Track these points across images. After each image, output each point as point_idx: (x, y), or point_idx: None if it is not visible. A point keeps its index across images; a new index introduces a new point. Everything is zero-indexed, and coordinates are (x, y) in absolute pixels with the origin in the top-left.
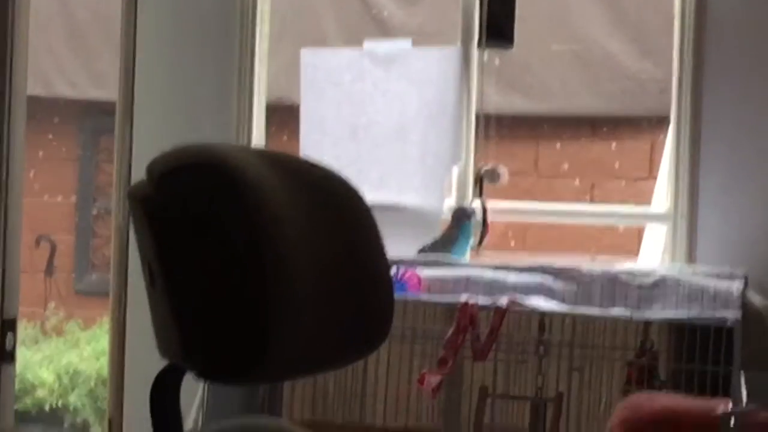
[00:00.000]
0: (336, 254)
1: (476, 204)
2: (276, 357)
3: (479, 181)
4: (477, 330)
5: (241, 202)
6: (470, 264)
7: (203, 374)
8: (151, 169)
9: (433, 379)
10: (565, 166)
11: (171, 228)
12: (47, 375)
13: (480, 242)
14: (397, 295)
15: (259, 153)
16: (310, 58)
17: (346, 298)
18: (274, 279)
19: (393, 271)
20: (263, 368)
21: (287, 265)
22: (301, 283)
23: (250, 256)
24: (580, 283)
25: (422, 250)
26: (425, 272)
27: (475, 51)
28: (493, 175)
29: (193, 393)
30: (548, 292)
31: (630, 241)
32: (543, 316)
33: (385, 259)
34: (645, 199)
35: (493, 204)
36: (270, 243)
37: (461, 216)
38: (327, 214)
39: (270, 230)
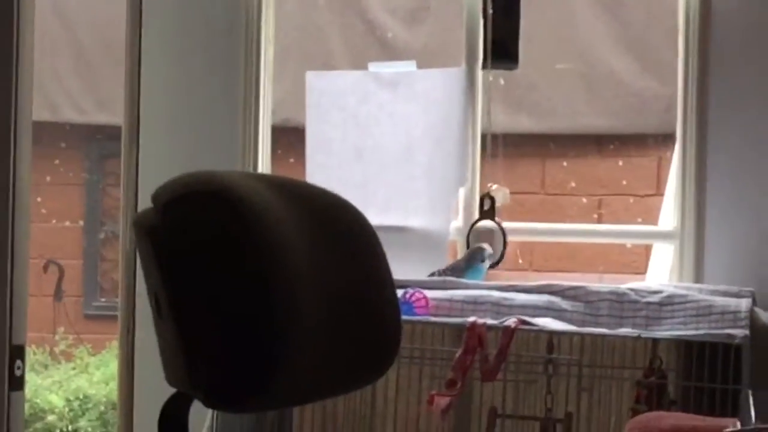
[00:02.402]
0: (342, 280)
1: (486, 224)
2: (283, 384)
3: (491, 201)
4: (485, 351)
5: (247, 230)
6: (478, 285)
7: (210, 402)
8: (156, 198)
9: (443, 401)
10: (572, 184)
11: (177, 257)
12: (57, 400)
13: (499, 261)
14: (405, 317)
15: (265, 180)
16: (315, 80)
17: (353, 324)
18: (281, 306)
19: (400, 293)
20: (270, 395)
21: (293, 293)
22: (308, 309)
23: (256, 284)
24: (587, 303)
25: (432, 275)
26: (433, 294)
27: (479, 71)
28: (497, 196)
29: (202, 419)
30: (556, 312)
31: (639, 258)
32: (551, 336)
33: (392, 283)
34: (653, 215)
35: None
36: (276, 271)
37: (476, 255)
38: (333, 241)
39: (276, 258)
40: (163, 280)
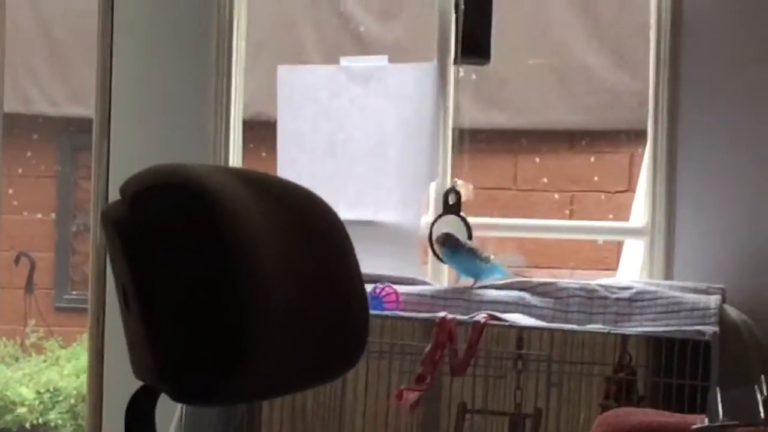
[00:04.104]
0: (310, 273)
1: (449, 219)
2: (251, 377)
3: (457, 196)
4: (455, 346)
5: (214, 223)
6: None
7: (177, 395)
8: (124, 190)
9: (412, 396)
10: (544, 179)
11: (144, 249)
12: (28, 393)
13: None
14: (375, 312)
15: (234, 173)
16: (286, 74)
17: (322, 316)
18: (248, 300)
19: (370, 287)
20: (237, 388)
21: (261, 285)
22: (276, 301)
23: (224, 278)
24: (557, 299)
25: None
26: (403, 289)
27: (451, 66)
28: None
29: (171, 413)
30: (526, 308)
31: (610, 255)
32: (521, 332)
33: (360, 276)
34: (625, 212)
35: (471, 220)
36: (244, 264)
37: (447, 242)
38: (302, 234)
39: (244, 251)
40: (130, 272)
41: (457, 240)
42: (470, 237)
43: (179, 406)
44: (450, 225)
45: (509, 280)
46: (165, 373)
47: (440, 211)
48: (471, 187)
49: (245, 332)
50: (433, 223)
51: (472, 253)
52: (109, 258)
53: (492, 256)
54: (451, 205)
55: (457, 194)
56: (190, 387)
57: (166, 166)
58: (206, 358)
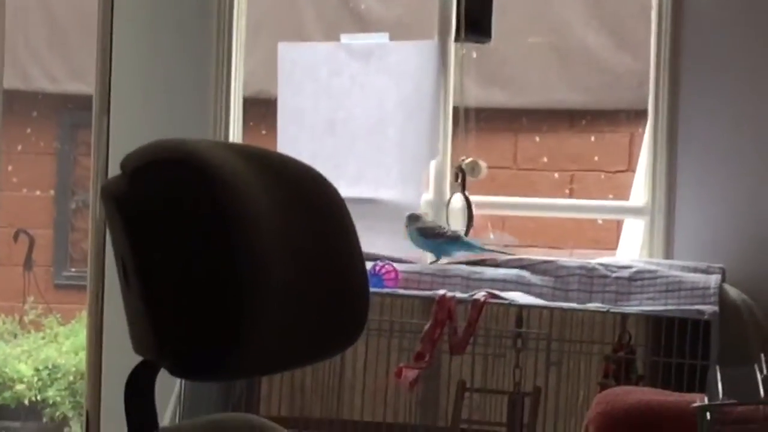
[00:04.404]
0: (311, 249)
1: (458, 198)
2: (250, 352)
3: (462, 174)
4: (454, 324)
5: (215, 198)
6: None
7: (177, 370)
8: (124, 165)
9: (411, 374)
10: (544, 159)
11: (144, 224)
12: (26, 369)
13: (466, 234)
14: (375, 290)
15: (235, 148)
16: (287, 52)
17: (321, 293)
18: (248, 275)
19: (370, 265)
20: (237, 364)
21: (261, 261)
22: (276, 278)
23: (224, 253)
24: (557, 277)
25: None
26: (402, 266)
27: (452, 44)
28: (474, 169)
29: (170, 389)
30: (526, 286)
31: (609, 235)
32: (520, 310)
33: (360, 253)
34: (624, 191)
35: (472, 197)
36: (244, 239)
37: (408, 222)
38: (302, 210)
39: (244, 227)
40: (129, 247)
41: (413, 219)
42: (471, 215)
43: (178, 381)
44: (461, 204)
45: (509, 257)
46: (165, 348)
47: (447, 189)
48: (484, 164)
49: (245, 307)
50: (448, 202)
51: (422, 230)
52: (108, 233)
53: (448, 232)
54: (458, 184)
55: (463, 172)
56: (189, 362)
57: (167, 141)
58: (206, 333)
